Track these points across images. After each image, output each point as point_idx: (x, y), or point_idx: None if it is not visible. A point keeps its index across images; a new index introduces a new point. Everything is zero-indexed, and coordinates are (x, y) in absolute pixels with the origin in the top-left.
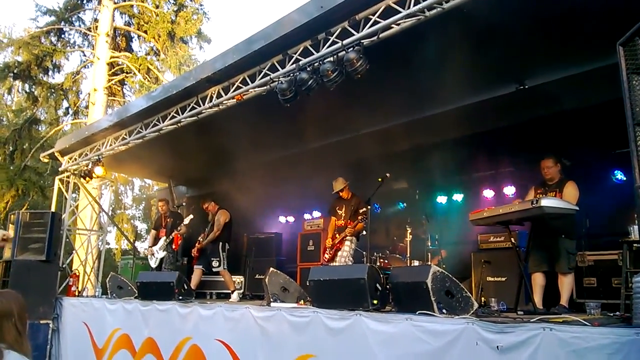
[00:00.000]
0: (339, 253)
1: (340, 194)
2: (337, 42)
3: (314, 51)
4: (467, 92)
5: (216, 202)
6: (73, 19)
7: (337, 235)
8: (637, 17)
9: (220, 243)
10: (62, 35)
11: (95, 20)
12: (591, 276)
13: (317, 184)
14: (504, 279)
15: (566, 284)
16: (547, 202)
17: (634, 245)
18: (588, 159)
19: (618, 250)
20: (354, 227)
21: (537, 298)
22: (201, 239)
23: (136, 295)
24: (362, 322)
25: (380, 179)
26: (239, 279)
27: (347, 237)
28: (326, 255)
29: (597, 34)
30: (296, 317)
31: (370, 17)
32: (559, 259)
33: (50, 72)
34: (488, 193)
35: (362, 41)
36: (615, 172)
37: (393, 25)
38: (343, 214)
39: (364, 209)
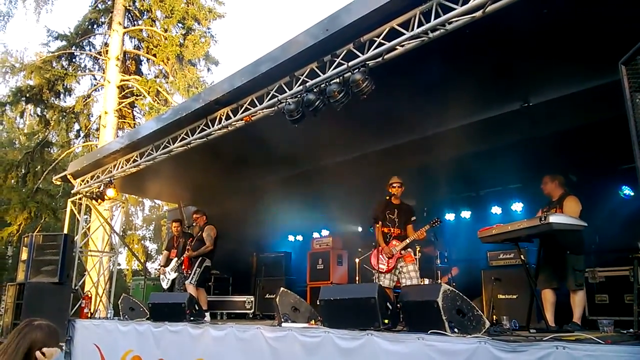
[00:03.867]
0: (409, 267)
1: (393, 193)
2: (342, 64)
3: (320, 73)
4: (473, 110)
5: (207, 216)
6: (84, 44)
7: (395, 243)
8: (638, 36)
9: (200, 258)
10: (73, 60)
11: (106, 44)
12: (603, 293)
13: (325, 202)
14: (515, 296)
15: (577, 301)
16: (556, 218)
17: None
18: (595, 175)
19: (629, 265)
20: (421, 234)
21: (549, 315)
22: (188, 251)
23: (148, 316)
24: (374, 342)
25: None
26: (249, 298)
27: (409, 248)
28: (382, 266)
29: (600, 51)
30: (307, 337)
31: (375, 39)
32: (566, 276)
33: (61, 96)
34: (496, 210)
35: (367, 62)
36: (623, 187)
37: (397, 47)
38: (397, 220)
39: (414, 218)
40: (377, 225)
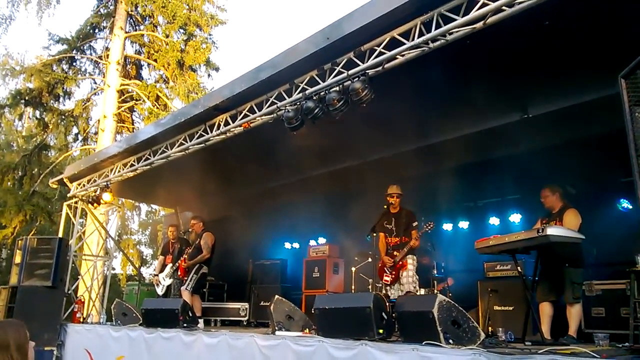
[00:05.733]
0: (404, 274)
1: (391, 202)
2: (342, 72)
3: (320, 81)
4: (472, 121)
5: (204, 223)
6: (85, 48)
7: (395, 253)
8: (638, 49)
9: (197, 265)
10: (74, 63)
11: (107, 48)
12: (599, 306)
13: (322, 210)
14: (511, 308)
15: (574, 314)
16: (553, 230)
17: None
18: (594, 187)
19: (626, 279)
20: (416, 241)
21: (545, 328)
22: (184, 260)
23: (141, 322)
24: (368, 352)
25: (385, 206)
26: (244, 305)
27: (409, 255)
28: (387, 278)
29: (600, 64)
30: (301, 346)
31: (376, 48)
32: (564, 288)
33: (61, 99)
34: (494, 220)
35: (367, 71)
36: (621, 200)
37: (398, 56)
38: (394, 229)
39: (416, 222)
40: (374, 235)
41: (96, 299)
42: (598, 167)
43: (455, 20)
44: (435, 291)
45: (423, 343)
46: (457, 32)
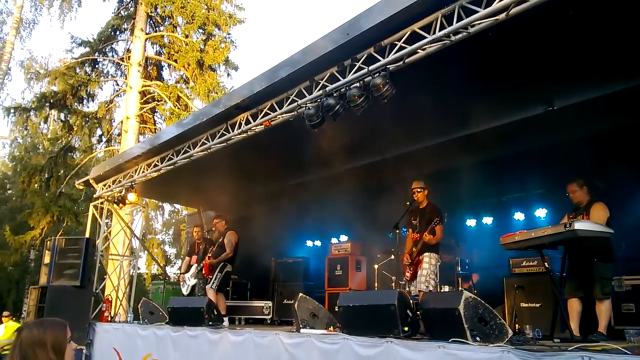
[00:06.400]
0: (419, 272)
1: (417, 199)
2: (363, 68)
3: (340, 77)
4: (496, 114)
5: (227, 221)
6: (106, 50)
7: (414, 249)
8: None
9: (222, 263)
10: (96, 66)
11: (128, 50)
12: (629, 302)
13: (343, 208)
14: (538, 304)
15: (603, 311)
16: (581, 225)
17: None
18: (622, 180)
19: None
20: (428, 236)
21: (574, 325)
22: (208, 259)
23: (167, 320)
24: (394, 350)
25: (408, 203)
26: (267, 304)
27: (425, 253)
28: (407, 274)
29: (628, 54)
30: (326, 343)
31: (396, 42)
32: (593, 284)
33: (84, 101)
34: (519, 216)
35: (388, 66)
36: None
37: (419, 51)
38: (418, 225)
39: (438, 218)
40: (397, 232)
41: (123, 298)
42: (625, 160)
43: (477, 12)
44: (460, 288)
45: (449, 340)
46: (479, 24)
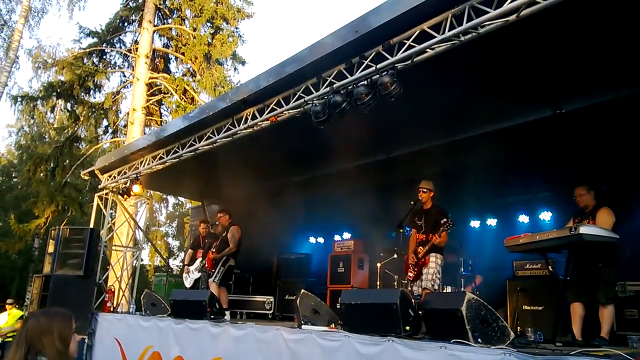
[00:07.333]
0: (424, 270)
1: (421, 199)
2: (371, 66)
3: (347, 74)
4: (502, 116)
5: (231, 216)
6: (114, 41)
7: (419, 249)
8: None
9: (224, 257)
10: (104, 56)
11: (136, 42)
12: (633, 307)
13: (347, 205)
14: (540, 308)
15: (606, 316)
16: (586, 229)
17: None
18: (628, 185)
19: None
20: (439, 239)
21: (577, 329)
22: (212, 253)
23: (169, 312)
24: (395, 349)
25: (412, 202)
26: (269, 299)
27: (432, 253)
28: (410, 274)
29: (638, 58)
30: (327, 340)
31: (405, 41)
32: (597, 289)
33: (91, 92)
34: (523, 218)
35: (396, 65)
36: None
37: (428, 50)
38: (423, 225)
39: (445, 220)
40: (400, 231)
41: (126, 289)
42: (632, 165)
43: (487, 12)
44: (463, 289)
45: (451, 341)
46: (489, 25)
